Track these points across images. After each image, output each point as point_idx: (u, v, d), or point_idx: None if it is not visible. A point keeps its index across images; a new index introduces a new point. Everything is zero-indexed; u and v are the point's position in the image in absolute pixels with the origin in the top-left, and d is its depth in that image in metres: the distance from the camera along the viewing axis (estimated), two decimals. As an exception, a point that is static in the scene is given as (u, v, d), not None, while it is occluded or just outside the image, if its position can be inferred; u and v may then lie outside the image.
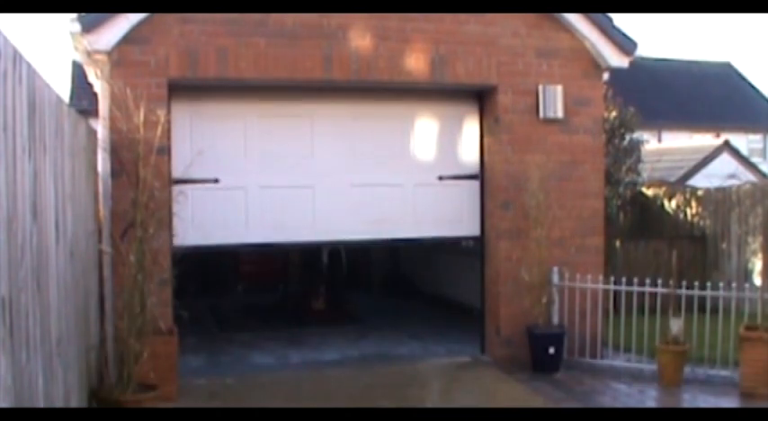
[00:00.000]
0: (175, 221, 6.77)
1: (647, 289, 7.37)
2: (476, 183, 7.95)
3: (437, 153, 7.90)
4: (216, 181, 7.22)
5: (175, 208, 6.74)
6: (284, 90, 7.43)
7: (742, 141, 24.67)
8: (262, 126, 7.37)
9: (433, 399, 6.74)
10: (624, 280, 7.47)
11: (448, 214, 7.91)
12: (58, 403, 3.91)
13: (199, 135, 7.05)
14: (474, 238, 8.01)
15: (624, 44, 7.69)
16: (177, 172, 6.84)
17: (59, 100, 4.25)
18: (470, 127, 7.97)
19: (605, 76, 7.94)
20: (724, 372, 7.03)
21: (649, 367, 7.24)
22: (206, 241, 7.24)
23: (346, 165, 7.61)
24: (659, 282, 7.37)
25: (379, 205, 7.70)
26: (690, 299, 7.27)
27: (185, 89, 7.04)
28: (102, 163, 6.46)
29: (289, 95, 7.46)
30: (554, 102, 7.60)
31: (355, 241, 7.79)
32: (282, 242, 7.60)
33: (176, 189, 6.86)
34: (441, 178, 7.89)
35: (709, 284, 7.62)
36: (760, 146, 29.05)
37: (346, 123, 7.62)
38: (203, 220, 7.15)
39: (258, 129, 7.36)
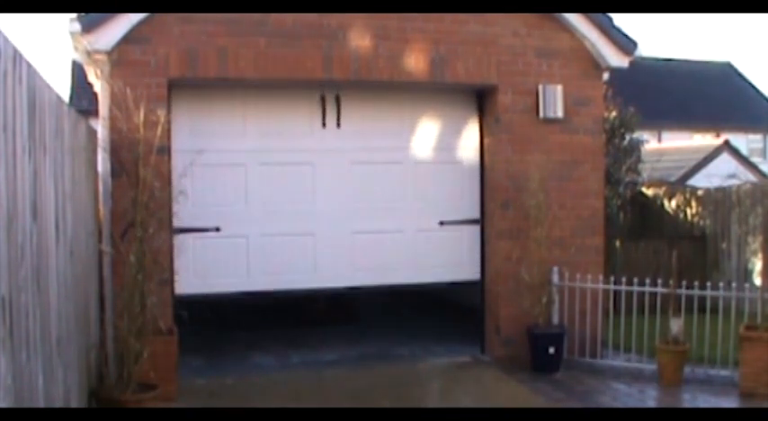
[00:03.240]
0: (177, 269, 6.81)
1: (647, 289, 7.37)
2: (476, 228, 7.96)
3: (439, 197, 7.89)
4: (217, 229, 7.25)
5: (177, 256, 6.81)
6: (285, 132, 7.45)
7: (742, 141, 24.69)
8: (263, 174, 7.39)
9: (433, 399, 6.74)
10: (624, 280, 7.47)
11: (448, 258, 7.92)
12: (58, 403, 3.92)
13: (199, 185, 7.07)
14: (474, 282, 8.02)
15: (624, 44, 7.69)
16: (179, 220, 6.91)
17: (59, 100, 4.25)
18: (473, 167, 7.95)
19: (605, 76, 7.94)
20: (724, 372, 7.03)
21: (649, 367, 7.24)
22: (207, 289, 7.25)
23: (347, 212, 7.64)
24: (659, 282, 7.38)
25: (381, 251, 7.72)
26: (690, 299, 7.27)
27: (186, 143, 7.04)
28: (102, 163, 6.46)
29: (290, 140, 7.47)
30: (554, 102, 7.60)
31: (356, 287, 7.78)
32: (284, 289, 7.58)
33: (177, 238, 6.91)
34: (442, 223, 7.89)
35: (709, 284, 7.62)
36: (760, 146, 29.09)
37: (346, 168, 7.61)
38: (205, 268, 7.18)
39: (259, 176, 7.39)
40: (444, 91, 7.90)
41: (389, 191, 7.75)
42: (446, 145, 7.93)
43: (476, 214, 7.97)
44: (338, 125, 7.55)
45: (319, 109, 7.52)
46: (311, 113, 7.52)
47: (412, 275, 7.86)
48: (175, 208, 6.74)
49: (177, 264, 6.83)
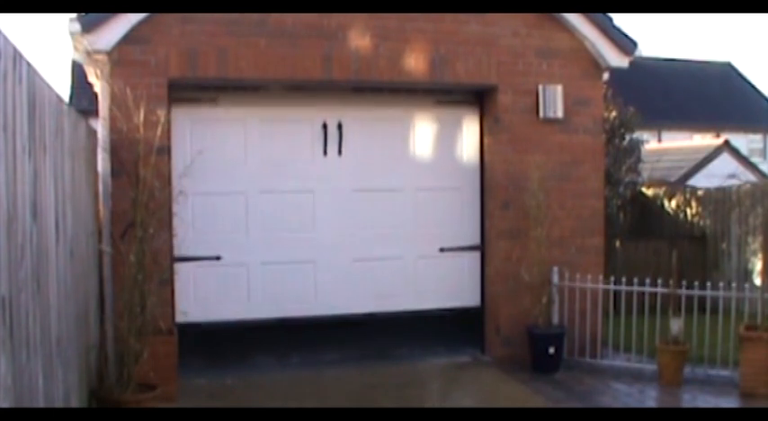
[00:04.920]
0: (178, 299, 6.82)
1: (647, 289, 7.37)
2: (476, 254, 7.97)
3: (439, 224, 7.89)
4: (217, 258, 7.27)
5: (177, 285, 6.85)
6: (286, 160, 7.47)
7: (742, 141, 24.71)
8: (264, 202, 7.41)
9: (433, 399, 6.73)
10: (624, 280, 7.46)
11: (449, 285, 7.94)
12: (58, 403, 3.91)
13: (200, 214, 7.13)
14: (475, 309, 8.02)
15: (624, 44, 7.69)
16: (179, 249, 6.97)
17: (59, 100, 4.25)
18: (474, 194, 7.97)
19: (605, 75, 7.94)
20: (724, 372, 7.03)
21: (649, 367, 7.24)
22: (207, 318, 7.25)
23: (348, 240, 7.65)
24: (659, 282, 7.37)
25: (381, 279, 7.74)
26: (690, 299, 7.26)
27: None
28: (102, 163, 6.46)
29: (291, 168, 7.50)
30: (554, 102, 7.60)
31: (357, 315, 7.77)
32: (284, 317, 7.56)
33: (178, 267, 6.96)
34: (442, 250, 7.90)
35: (709, 284, 7.62)
36: (760, 146, 29.11)
37: (347, 196, 7.63)
38: (205, 297, 7.21)
39: (260, 204, 7.40)
40: (446, 104, 7.89)
41: (390, 218, 7.77)
42: (447, 172, 7.92)
43: (476, 240, 7.98)
44: (339, 152, 7.58)
45: (321, 136, 7.54)
46: (313, 141, 7.54)
47: (412, 302, 7.87)
48: (176, 236, 6.82)
49: (177, 292, 6.85)
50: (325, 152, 7.56)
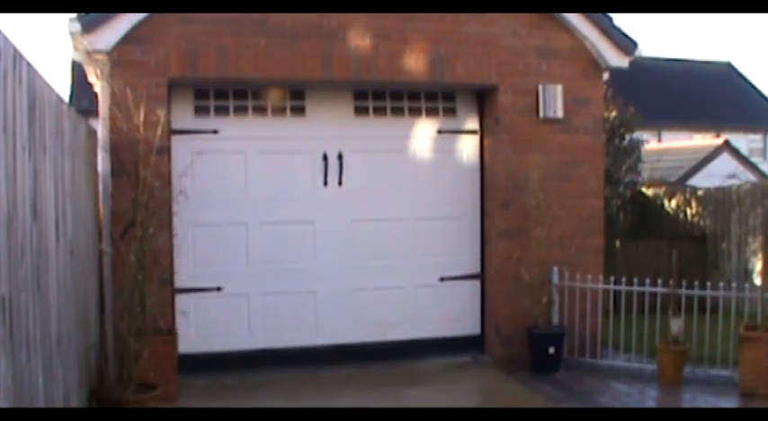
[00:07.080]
0: (179, 328, 6.80)
1: (647, 289, 7.37)
2: (477, 283, 7.98)
3: (439, 253, 7.88)
4: (218, 289, 7.29)
5: (178, 316, 6.87)
6: (287, 191, 7.46)
7: (742, 141, 24.72)
8: (264, 232, 7.41)
9: (432, 399, 6.73)
10: (624, 280, 7.47)
11: (449, 314, 7.92)
12: (58, 403, 3.92)
13: (200, 245, 7.16)
14: (474, 337, 8.00)
15: (624, 44, 7.69)
16: (180, 280, 7.03)
17: (59, 100, 4.25)
18: (474, 222, 7.96)
19: (605, 75, 7.94)
20: (724, 372, 7.03)
21: (649, 367, 7.24)
22: (208, 348, 7.25)
23: (348, 270, 7.64)
24: (659, 282, 7.37)
25: (381, 308, 7.73)
26: (690, 299, 7.27)
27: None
28: (102, 163, 6.46)
29: (291, 198, 7.49)
30: (554, 101, 7.60)
31: (357, 344, 7.72)
32: (285, 347, 7.53)
33: (179, 298, 6.99)
34: (442, 279, 7.90)
35: (709, 284, 7.62)
36: (760, 146, 29.11)
37: (347, 226, 7.62)
38: (206, 328, 7.22)
39: (260, 235, 7.40)
40: (447, 134, 7.86)
41: (390, 247, 7.75)
42: (448, 201, 7.89)
43: (476, 269, 7.98)
44: (340, 183, 7.57)
45: (321, 167, 7.52)
46: (313, 172, 7.52)
47: (412, 331, 7.84)
48: (176, 261, 6.85)
49: (179, 323, 6.85)
50: (325, 183, 7.55)
